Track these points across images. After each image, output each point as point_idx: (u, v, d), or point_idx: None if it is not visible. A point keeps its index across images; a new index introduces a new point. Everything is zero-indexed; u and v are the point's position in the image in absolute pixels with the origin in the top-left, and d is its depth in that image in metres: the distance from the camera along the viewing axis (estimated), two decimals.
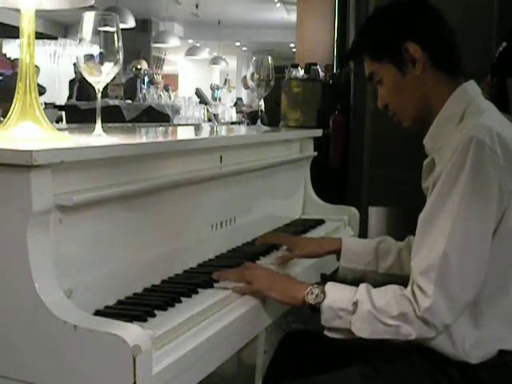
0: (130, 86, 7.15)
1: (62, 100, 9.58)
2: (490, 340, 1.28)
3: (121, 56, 1.35)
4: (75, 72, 8.98)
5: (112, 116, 5.40)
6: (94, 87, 1.38)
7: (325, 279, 1.58)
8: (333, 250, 1.65)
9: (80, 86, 8.11)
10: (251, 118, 7.10)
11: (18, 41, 1.34)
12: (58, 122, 5.76)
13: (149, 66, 8.63)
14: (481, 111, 1.33)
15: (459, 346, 1.28)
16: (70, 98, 8.57)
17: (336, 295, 1.29)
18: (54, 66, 12.64)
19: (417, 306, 1.21)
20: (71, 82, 9.18)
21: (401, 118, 1.44)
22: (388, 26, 1.42)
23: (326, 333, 1.31)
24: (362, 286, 1.30)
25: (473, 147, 1.22)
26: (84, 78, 1.38)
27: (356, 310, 1.25)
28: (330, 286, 1.32)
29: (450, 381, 1.30)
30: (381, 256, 1.61)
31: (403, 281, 1.32)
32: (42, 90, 7.95)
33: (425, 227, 1.28)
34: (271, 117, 5.22)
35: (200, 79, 15.26)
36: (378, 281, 1.53)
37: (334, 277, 1.63)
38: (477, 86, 1.41)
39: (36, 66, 1.51)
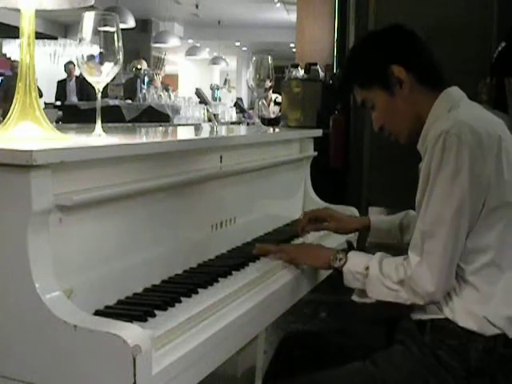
0: (129, 86, 7.13)
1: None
2: (487, 307, 1.35)
3: (121, 56, 1.35)
4: (66, 72, 8.92)
5: (112, 116, 5.39)
6: (94, 87, 1.38)
7: (350, 245, 1.73)
8: (361, 228, 1.85)
9: (80, 86, 8.10)
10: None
11: (18, 41, 1.34)
12: (58, 121, 5.75)
13: (149, 66, 8.61)
14: (458, 107, 1.43)
15: (455, 300, 1.36)
16: (58, 99, 8.45)
17: (355, 260, 1.47)
18: (54, 66, 12.63)
19: (406, 274, 1.36)
20: (60, 83, 9.08)
21: (397, 136, 1.55)
22: (372, 54, 1.53)
23: (353, 298, 1.48)
24: (378, 254, 1.45)
25: (441, 138, 1.33)
26: (84, 78, 1.38)
27: (368, 273, 1.42)
28: (352, 253, 1.50)
29: (448, 371, 1.34)
30: (404, 230, 1.78)
31: None
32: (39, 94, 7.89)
33: (416, 209, 1.47)
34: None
35: (200, 79, 15.25)
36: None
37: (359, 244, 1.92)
38: (461, 90, 1.50)
39: None
